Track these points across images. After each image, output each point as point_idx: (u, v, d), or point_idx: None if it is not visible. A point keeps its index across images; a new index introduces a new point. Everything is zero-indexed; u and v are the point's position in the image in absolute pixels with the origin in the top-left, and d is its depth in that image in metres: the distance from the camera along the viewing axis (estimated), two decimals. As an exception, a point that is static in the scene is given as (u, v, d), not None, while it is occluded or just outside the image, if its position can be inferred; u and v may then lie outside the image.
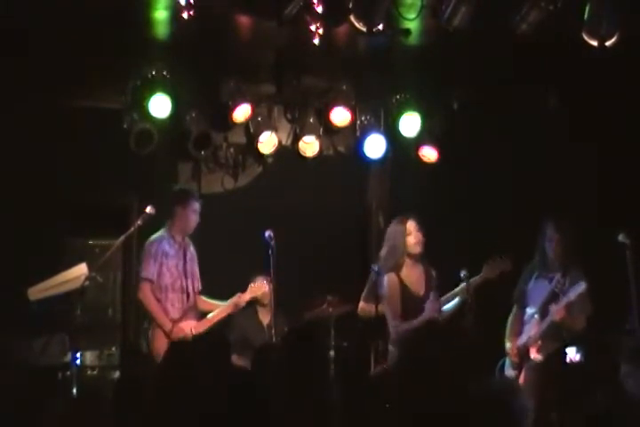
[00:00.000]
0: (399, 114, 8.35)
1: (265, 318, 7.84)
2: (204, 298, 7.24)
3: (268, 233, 6.98)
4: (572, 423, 3.94)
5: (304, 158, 8.34)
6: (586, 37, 6.88)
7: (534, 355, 6.61)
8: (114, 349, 7.37)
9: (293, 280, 7.45)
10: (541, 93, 8.28)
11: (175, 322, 6.91)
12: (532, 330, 6.67)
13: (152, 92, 7.60)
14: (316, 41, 6.95)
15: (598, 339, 6.29)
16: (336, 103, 8.21)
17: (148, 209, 6.83)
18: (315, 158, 8.34)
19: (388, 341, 6.89)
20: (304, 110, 8.34)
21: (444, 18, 6.82)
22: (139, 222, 6.83)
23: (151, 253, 6.97)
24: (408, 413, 4.05)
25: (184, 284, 7.06)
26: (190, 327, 6.95)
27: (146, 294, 6.94)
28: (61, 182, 7.53)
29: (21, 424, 6.26)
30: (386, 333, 6.89)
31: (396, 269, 6.70)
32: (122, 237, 6.87)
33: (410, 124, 8.33)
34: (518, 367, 6.67)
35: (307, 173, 8.38)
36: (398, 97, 8.38)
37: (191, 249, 7.18)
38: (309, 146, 8.31)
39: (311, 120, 8.29)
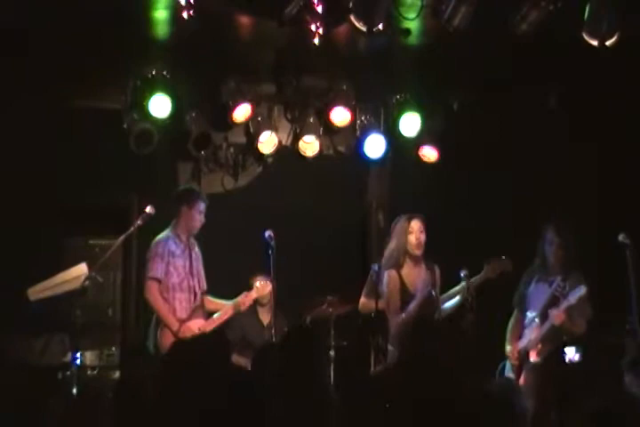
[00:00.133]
0: (399, 114, 8.35)
1: (265, 318, 7.84)
2: (210, 297, 7.24)
3: (268, 233, 6.99)
4: (572, 423, 3.94)
5: (304, 158, 8.34)
6: (586, 37, 6.88)
7: (534, 358, 6.62)
8: (114, 349, 7.37)
9: (293, 280, 7.45)
10: (541, 93, 8.28)
11: (183, 322, 6.91)
12: (532, 334, 6.66)
13: (152, 92, 7.60)
14: (316, 41, 6.94)
15: (598, 339, 6.30)
16: (336, 103, 8.21)
17: (148, 209, 6.83)
18: (315, 158, 8.34)
19: (387, 338, 6.92)
20: (304, 110, 8.33)
21: (444, 18, 6.81)
22: (139, 222, 6.83)
23: (158, 253, 6.97)
24: (408, 412, 4.05)
25: (191, 283, 7.06)
26: (198, 327, 6.95)
27: (153, 294, 6.93)
28: (61, 182, 7.53)
29: (21, 424, 6.27)
30: (386, 329, 6.92)
31: (397, 266, 6.75)
32: (122, 237, 6.87)
33: (410, 124, 8.33)
34: (518, 371, 6.67)
35: (307, 173, 8.38)
36: (398, 97, 8.39)
37: (196, 249, 7.18)
38: (309, 146, 8.31)
39: (311, 120, 8.29)
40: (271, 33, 7.23)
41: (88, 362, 7.17)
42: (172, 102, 7.65)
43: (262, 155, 8.24)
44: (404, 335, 6.57)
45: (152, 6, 7.01)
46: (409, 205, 7.57)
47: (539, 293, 6.74)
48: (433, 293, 6.78)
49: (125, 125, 7.65)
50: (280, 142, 8.23)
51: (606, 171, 8.37)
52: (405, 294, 6.71)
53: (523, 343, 6.70)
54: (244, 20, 7.23)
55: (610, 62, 7.23)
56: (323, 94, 8.28)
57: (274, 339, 7.02)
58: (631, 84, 7.77)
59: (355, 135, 8.45)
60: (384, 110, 8.49)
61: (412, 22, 7.08)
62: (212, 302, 7.24)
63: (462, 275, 6.81)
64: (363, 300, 7.39)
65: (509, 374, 6.72)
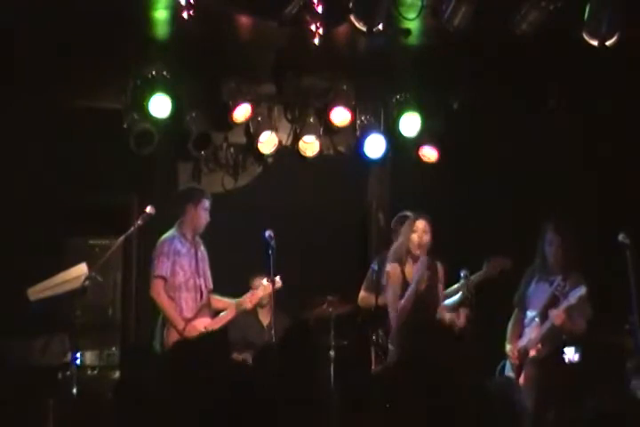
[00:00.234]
0: (399, 114, 8.36)
1: (265, 318, 7.84)
2: (216, 296, 7.25)
3: (268, 233, 6.99)
4: (571, 423, 3.94)
5: (304, 158, 8.34)
6: (586, 37, 6.88)
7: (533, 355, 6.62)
8: (114, 349, 7.37)
9: (293, 280, 7.44)
10: (541, 93, 8.28)
11: (188, 321, 6.91)
12: (532, 333, 6.67)
13: (152, 92, 7.60)
14: (316, 41, 6.94)
15: (598, 339, 6.29)
16: (336, 103, 8.21)
17: (148, 209, 6.83)
18: (315, 158, 8.35)
19: (387, 336, 6.94)
20: (304, 110, 8.34)
21: (444, 18, 6.82)
22: (139, 222, 6.83)
23: (163, 252, 6.97)
24: (408, 412, 4.05)
25: (197, 282, 7.07)
26: (204, 325, 6.96)
27: (158, 292, 6.93)
28: (61, 182, 7.53)
29: (21, 424, 6.27)
30: (385, 325, 6.95)
31: (400, 262, 6.79)
32: (122, 237, 6.87)
33: (410, 124, 8.33)
34: (518, 370, 6.67)
35: (307, 173, 8.38)
36: (398, 97, 8.39)
37: (202, 248, 7.19)
38: (309, 146, 8.31)
39: (311, 120, 8.29)
40: (271, 33, 7.24)
41: (88, 362, 7.17)
42: (172, 102, 7.65)
43: (262, 155, 8.24)
44: (403, 334, 6.59)
45: (152, 6, 7.01)
46: (409, 205, 7.57)
47: (539, 292, 6.74)
48: (434, 290, 6.80)
49: (125, 125, 7.65)
50: (280, 142, 8.23)
51: (606, 170, 8.36)
52: (406, 288, 6.75)
53: (523, 342, 6.71)
54: (244, 20, 7.23)
55: (610, 62, 7.23)
56: (323, 94, 8.28)
57: (274, 339, 7.02)
58: (631, 84, 7.77)
59: (355, 135, 8.45)
60: (384, 110, 8.49)
61: (411, 22, 7.08)
62: (219, 300, 7.25)
63: (462, 275, 6.84)
64: (362, 294, 7.51)
65: (509, 373, 6.72)
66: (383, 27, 6.84)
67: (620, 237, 6.72)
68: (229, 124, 8.06)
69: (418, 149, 8.41)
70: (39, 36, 7.00)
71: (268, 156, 8.26)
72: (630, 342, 6.42)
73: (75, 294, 6.58)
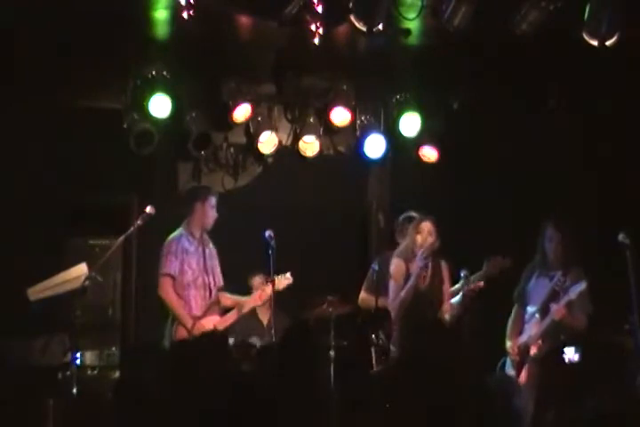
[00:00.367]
0: (399, 114, 8.36)
1: (264, 317, 7.85)
2: (226, 294, 7.26)
3: (268, 233, 6.99)
4: (571, 423, 3.94)
5: (304, 158, 8.34)
6: (586, 37, 6.88)
7: (535, 354, 6.62)
8: (114, 349, 7.37)
9: (293, 280, 7.44)
10: (541, 93, 8.28)
11: (197, 318, 6.92)
12: (532, 329, 6.67)
13: (152, 92, 7.61)
14: (316, 41, 6.94)
15: (598, 338, 6.29)
16: (336, 103, 8.21)
17: (148, 209, 6.83)
18: (315, 158, 8.35)
19: (388, 337, 6.95)
20: (304, 110, 8.34)
21: (444, 18, 6.82)
22: (139, 222, 6.83)
23: (171, 251, 6.99)
24: (408, 412, 4.05)
25: (206, 280, 7.08)
26: (213, 323, 6.97)
27: (166, 291, 6.95)
28: (61, 182, 7.53)
29: (22, 424, 6.27)
30: (386, 327, 6.95)
31: (405, 260, 6.79)
32: (122, 237, 6.87)
33: (410, 124, 8.33)
34: (519, 366, 6.68)
35: (307, 173, 8.38)
36: (398, 97, 8.39)
37: (210, 246, 7.21)
38: (309, 146, 8.31)
39: (311, 120, 8.30)
40: (271, 33, 7.24)
41: (88, 362, 7.17)
42: (172, 102, 7.65)
43: (262, 155, 8.24)
44: (403, 334, 6.60)
45: (152, 6, 7.02)
46: (409, 205, 7.57)
47: (539, 287, 6.75)
48: (436, 289, 6.81)
49: (125, 125, 7.66)
50: (280, 142, 8.23)
51: (606, 170, 8.36)
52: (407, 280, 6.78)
53: (523, 339, 6.71)
54: (244, 20, 7.23)
55: (610, 62, 7.23)
56: (323, 94, 8.28)
57: (274, 339, 7.02)
58: (631, 84, 7.77)
59: (355, 135, 8.45)
60: (384, 110, 8.49)
61: (411, 22, 7.08)
62: (228, 298, 7.28)
63: (462, 275, 6.84)
64: (362, 295, 7.53)
65: (510, 369, 6.73)
66: (383, 27, 6.84)
67: (620, 237, 6.71)
68: (229, 124, 8.06)
69: (418, 149, 8.41)
70: (39, 36, 7.00)
71: (268, 156, 8.26)
72: (630, 342, 6.42)
73: (75, 293, 6.58)
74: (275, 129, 8.18)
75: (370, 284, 7.44)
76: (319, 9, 6.77)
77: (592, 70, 7.56)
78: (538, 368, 6.39)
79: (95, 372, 7.21)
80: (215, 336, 5.21)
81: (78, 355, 6.60)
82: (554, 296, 6.62)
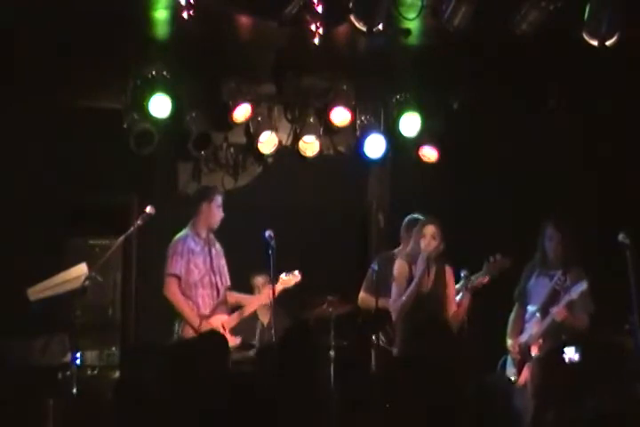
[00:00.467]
0: (399, 114, 8.35)
1: (265, 317, 7.85)
2: (234, 293, 7.27)
3: (268, 233, 6.99)
4: (571, 423, 3.94)
5: (304, 158, 8.34)
6: (586, 37, 6.88)
7: (535, 353, 6.62)
8: (114, 349, 7.37)
9: (294, 280, 7.44)
10: (541, 93, 8.28)
11: (205, 318, 6.93)
12: (533, 328, 6.68)
13: (152, 92, 7.60)
14: (316, 41, 6.94)
15: (598, 338, 6.29)
16: (336, 103, 8.21)
17: (148, 209, 6.83)
18: (315, 158, 8.34)
19: (388, 339, 6.95)
20: (304, 110, 8.33)
21: (444, 18, 6.82)
22: (139, 222, 6.82)
23: (177, 251, 7.00)
24: (408, 412, 4.05)
25: (213, 280, 7.09)
26: (221, 322, 6.99)
27: (172, 291, 6.95)
28: (61, 182, 7.53)
29: (21, 424, 6.27)
30: (386, 328, 6.95)
31: (409, 262, 6.79)
32: (122, 237, 6.87)
33: (410, 124, 8.33)
34: (519, 365, 6.68)
35: (307, 173, 8.38)
36: (398, 97, 8.38)
37: (217, 246, 7.22)
38: (309, 146, 8.31)
39: (311, 120, 8.29)
40: (271, 33, 7.24)
41: (88, 362, 7.17)
42: (172, 102, 7.65)
43: (262, 155, 8.24)
44: (404, 337, 6.60)
45: (152, 6, 7.02)
46: (409, 205, 7.57)
47: (539, 287, 6.75)
48: (439, 294, 6.79)
49: (125, 125, 7.65)
50: (280, 142, 8.23)
51: (606, 170, 8.36)
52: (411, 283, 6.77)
53: (524, 338, 6.71)
54: (244, 20, 7.23)
55: (610, 62, 7.23)
56: (323, 94, 8.27)
57: (274, 339, 7.02)
58: (631, 84, 7.77)
59: (355, 135, 8.44)
60: (384, 110, 8.49)
61: (411, 22, 7.08)
62: (236, 296, 7.30)
63: (462, 275, 6.83)
64: (362, 295, 7.52)
65: (510, 368, 6.73)
66: (383, 27, 6.84)
67: (620, 237, 6.72)
68: (229, 124, 8.06)
69: (418, 149, 8.40)
70: (39, 36, 7.00)
71: (268, 156, 8.26)
72: (630, 342, 6.42)
73: (75, 293, 6.58)
74: (275, 129, 8.18)
75: (369, 284, 7.43)
76: (319, 9, 6.78)
77: (592, 70, 7.56)
78: (538, 368, 6.39)
79: (95, 372, 7.21)
80: (215, 336, 5.21)
81: (78, 355, 6.59)
82: (554, 295, 6.63)
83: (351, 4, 6.74)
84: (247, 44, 7.54)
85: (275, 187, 8.30)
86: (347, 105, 8.21)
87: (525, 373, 6.59)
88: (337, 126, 8.32)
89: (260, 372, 5.10)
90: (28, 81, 7.25)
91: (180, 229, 7.18)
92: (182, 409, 4.16)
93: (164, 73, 7.67)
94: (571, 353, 6.12)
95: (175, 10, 6.82)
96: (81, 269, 6.77)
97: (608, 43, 6.86)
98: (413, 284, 6.69)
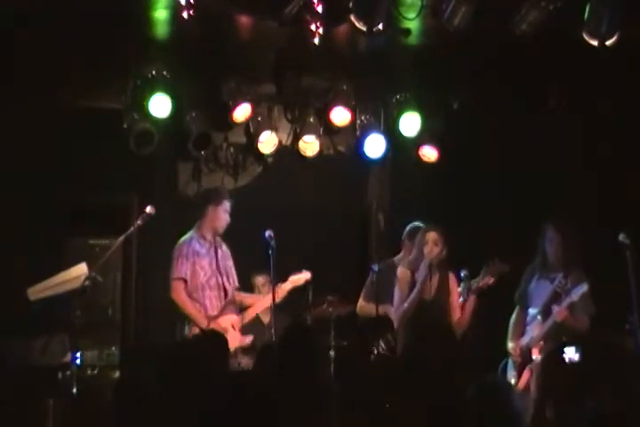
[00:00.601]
0: (399, 114, 8.35)
1: (265, 317, 7.84)
2: (242, 293, 7.30)
3: (268, 233, 6.99)
4: (571, 423, 3.94)
5: (304, 158, 8.34)
6: (586, 37, 6.88)
7: (537, 356, 6.61)
8: (114, 349, 7.38)
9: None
10: (541, 93, 8.28)
11: (212, 319, 6.94)
12: (534, 331, 6.67)
13: (152, 92, 7.60)
14: (316, 41, 6.95)
15: (598, 339, 6.29)
16: (336, 103, 8.21)
17: (148, 209, 6.83)
18: (315, 158, 8.34)
19: (389, 347, 6.96)
20: (304, 110, 8.34)
21: (444, 18, 6.82)
22: (139, 222, 6.82)
23: (182, 254, 7.00)
24: (408, 412, 4.05)
25: (220, 281, 7.10)
26: (230, 322, 7.01)
27: (179, 294, 6.96)
28: (61, 182, 7.53)
29: (21, 424, 6.27)
30: (387, 336, 6.96)
31: (411, 269, 6.78)
32: (122, 237, 6.87)
33: (410, 124, 8.33)
34: (520, 368, 6.67)
35: (307, 173, 8.38)
36: (398, 97, 8.38)
37: (224, 247, 7.23)
38: (309, 146, 8.31)
39: (311, 120, 8.29)
40: (271, 33, 7.24)
41: (88, 362, 7.17)
42: (172, 102, 7.65)
43: (262, 155, 8.24)
44: (405, 343, 6.60)
45: (152, 6, 7.02)
46: (409, 205, 7.57)
47: (540, 289, 6.75)
48: (442, 301, 6.76)
49: (125, 125, 7.66)
50: (280, 142, 8.23)
51: (606, 170, 8.36)
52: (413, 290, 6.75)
53: (525, 340, 6.71)
54: (244, 20, 7.23)
55: (610, 62, 7.23)
56: (323, 94, 8.28)
57: (274, 339, 7.02)
58: (631, 84, 7.77)
59: (355, 135, 8.44)
60: (384, 110, 8.49)
61: (411, 22, 7.09)
62: (245, 296, 7.33)
63: (462, 275, 6.82)
64: (361, 303, 7.49)
65: (511, 371, 6.72)
66: (383, 27, 6.84)
67: (620, 237, 6.72)
68: (229, 124, 8.06)
69: (418, 149, 8.40)
70: (39, 36, 7.00)
71: (268, 156, 8.26)
72: (630, 342, 6.42)
73: (75, 293, 6.58)
74: (275, 129, 8.18)
75: (369, 292, 7.39)
76: (319, 9, 6.78)
77: (592, 70, 7.56)
78: (538, 368, 6.39)
79: (95, 372, 7.22)
80: (215, 336, 5.21)
81: (78, 355, 6.59)
82: (555, 298, 6.62)
83: (351, 4, 6.74)
84: (247, 44, 7.55)
85: (275, 187, 8.30)
86: (347, 105, 8.21)
87: (525, 376, 6.59)
88: (337, 126, 8.32)
89: (260, 372, 5.10)
90: (28, 81, 7.25)
91: (181, 230, 7.18)
92: (182, 409, 4.16)
93: (164, 73, 7.67)
94: (571, 353, 6.12)
95: (175, 10, 6.82)
96: (81, 269, 6.77)
97: (608, 43, 6.86)
98: (415, 290, 6.65)
